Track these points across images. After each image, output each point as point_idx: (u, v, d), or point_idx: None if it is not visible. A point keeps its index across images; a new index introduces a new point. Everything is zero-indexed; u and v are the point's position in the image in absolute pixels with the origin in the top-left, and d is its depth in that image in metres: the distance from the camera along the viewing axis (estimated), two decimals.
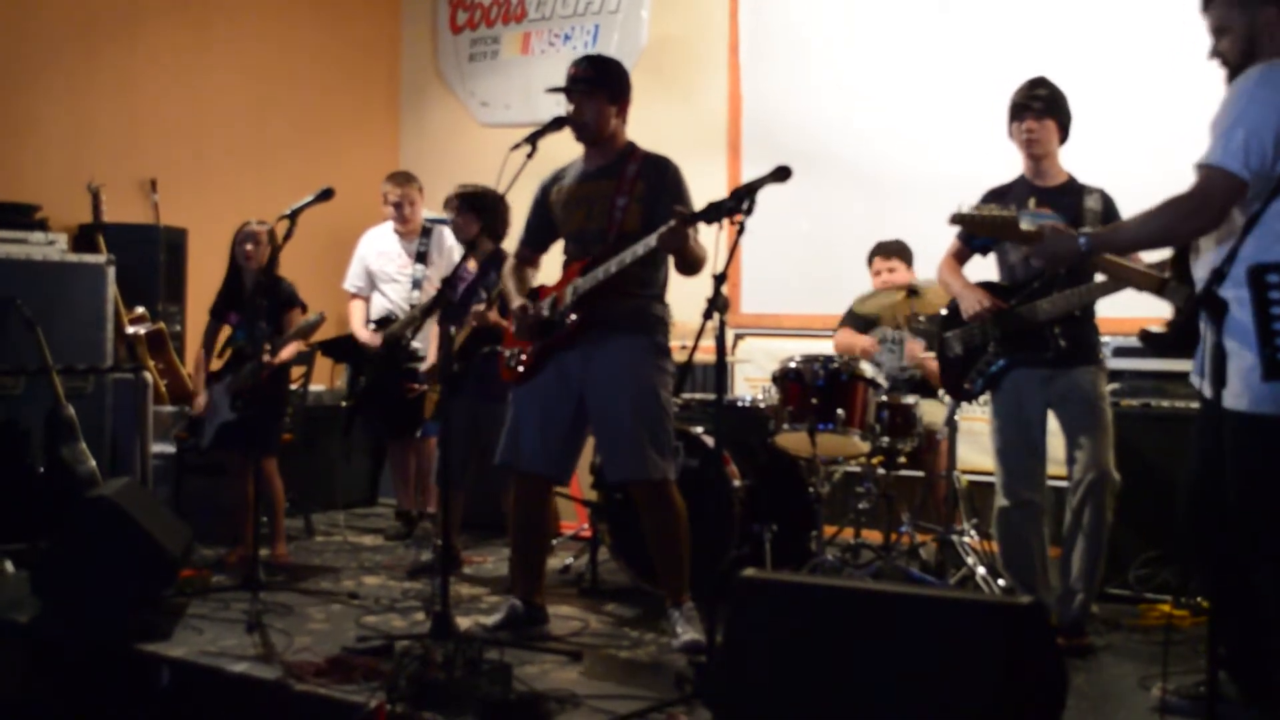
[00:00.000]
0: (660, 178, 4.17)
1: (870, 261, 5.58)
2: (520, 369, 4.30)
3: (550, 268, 4.44)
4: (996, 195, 4.37)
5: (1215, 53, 3.22)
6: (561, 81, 4.27)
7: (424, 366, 5.76)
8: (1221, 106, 3.08)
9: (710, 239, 3.97)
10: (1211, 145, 3.05)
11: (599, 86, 4.21)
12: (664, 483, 4.13)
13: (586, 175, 4.29)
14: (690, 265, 4.02)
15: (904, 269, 5.48)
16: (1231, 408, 2.99)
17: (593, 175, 4.27)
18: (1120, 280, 3.84)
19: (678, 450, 4.29)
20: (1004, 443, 4.31)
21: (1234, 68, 3.17)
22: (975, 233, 4.15)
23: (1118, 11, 5.86)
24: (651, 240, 3.87)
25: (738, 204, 3.49)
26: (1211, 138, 3.07)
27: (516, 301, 4.32)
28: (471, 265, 5.11)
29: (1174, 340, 3.53)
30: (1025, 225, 3.74)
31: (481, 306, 4.89)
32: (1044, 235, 3.58)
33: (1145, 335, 3.65)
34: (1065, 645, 4.02)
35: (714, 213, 3.61)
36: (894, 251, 5.51)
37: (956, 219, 3.95)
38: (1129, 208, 4.21)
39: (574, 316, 4.14)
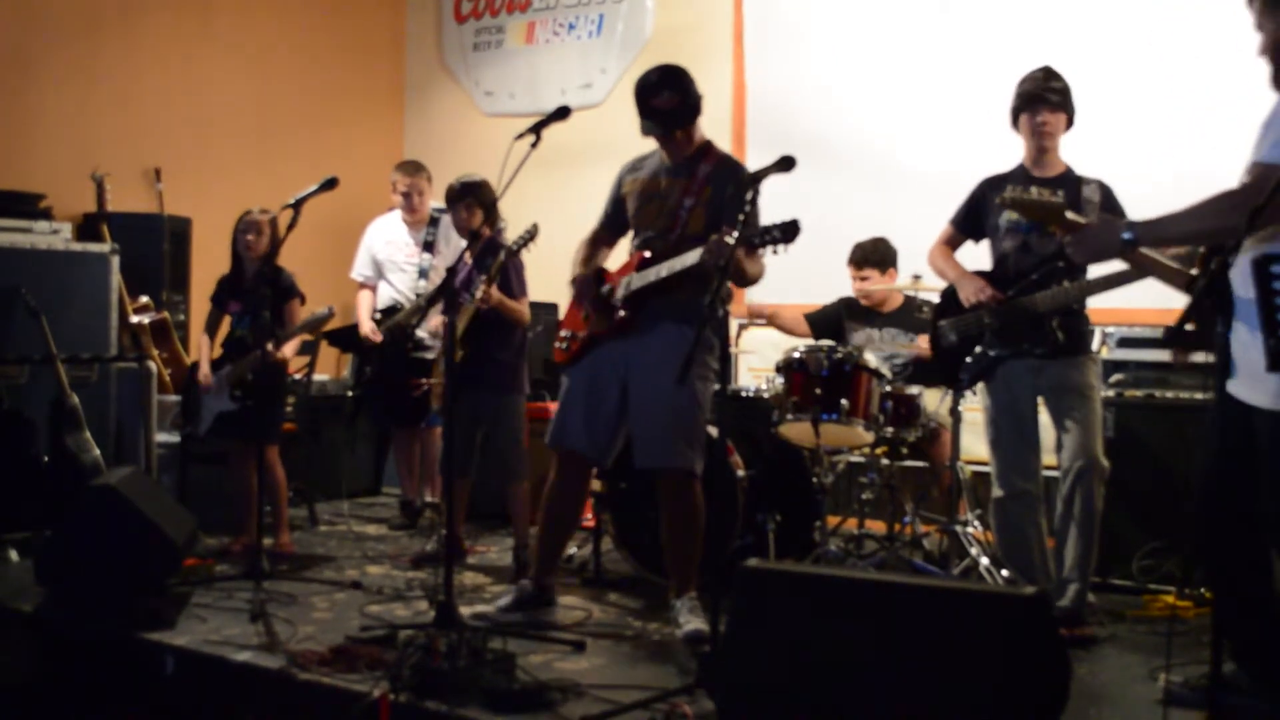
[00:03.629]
0: (728, 184, 4.19)
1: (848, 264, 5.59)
2: (571, 351, 4.41)
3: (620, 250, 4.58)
4: (995, 184, 4.38)
5: (1260, 50, 3.24)
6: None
7: (429, 326, 5.74)
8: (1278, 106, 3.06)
9: None
10: (1272, 144, 3.01)
11: (694, 110, 4.25)
12: (690, 475, 4.15)
13: (662, 171, 4.33)
14: (743, 280, 4.09)
15: (878, 275, 5.47)
16: (1268, 407, 2.99)
17: (667, 171, 4.31)
18: (1147, 273, 3.78)
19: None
20: (998, 434, 4.32)
21: (1272, 67, 3.18)
22: (1024, 215, 4.09)
23: (1116, 8, 5.86)
24: (696, 254, 3.93)
25: (785, 235, 3.53)
26: (1269, 137, 3.03)
27: (580, 270, 4.42)
28: (467, 258, 5.10)
29: (1200, 338, 3.50)
30: (1071, 214, 3.72)
31: (482, 288, 4.87)
32: (1089, 225, 3.52)
33: (1171, 332, 3.63)
34: (1067, 636, 4.02)
35: (759, 238, 3.61)
36: (865, 260, 5.51)
37: (1009, 202, 3.91)
38: (1127, 202, 4.22)
39: (622, 313, 4.23)
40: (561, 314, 4.85)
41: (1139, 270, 3.80)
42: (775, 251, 3.60)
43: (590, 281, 4.37)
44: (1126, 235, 3.31)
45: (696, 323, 4.15)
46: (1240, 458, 3.09)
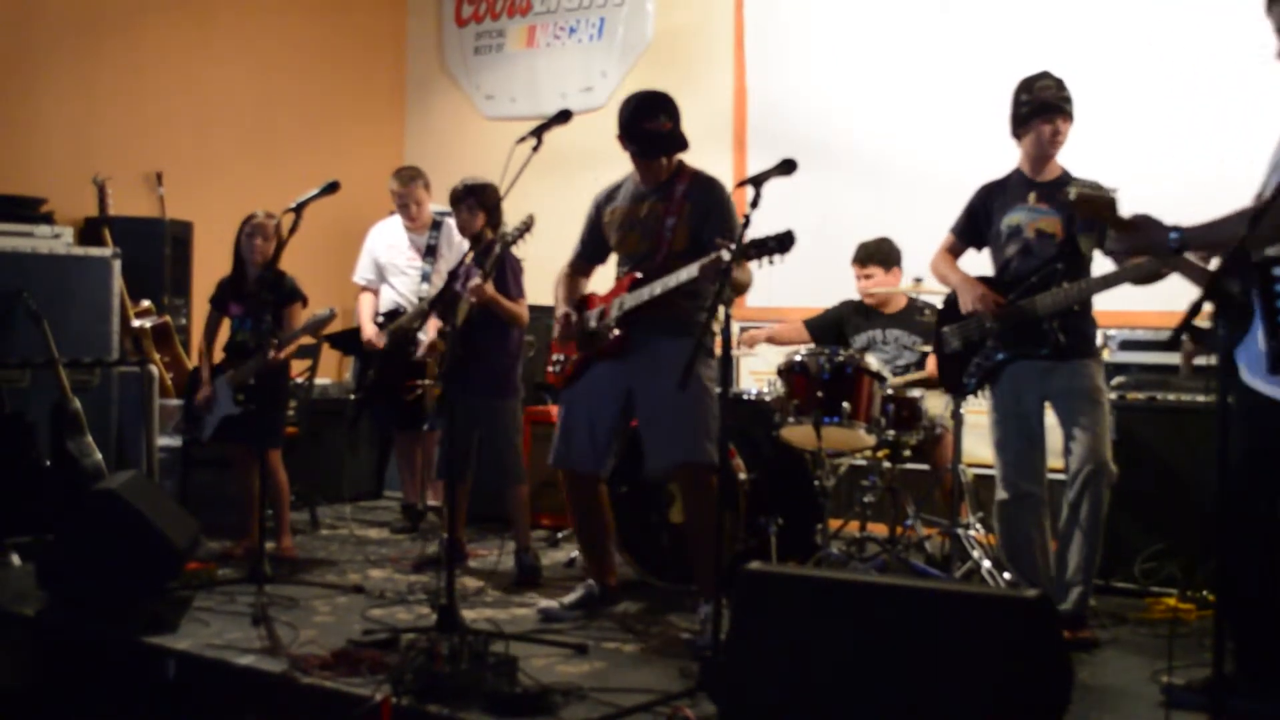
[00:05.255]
0: (706, 198, 4.30)
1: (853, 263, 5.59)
2: (565, 374, 4.53)
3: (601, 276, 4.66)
4: (995, 189, 4.40)
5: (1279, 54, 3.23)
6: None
7: (421, 350, 5.71)
8: None
9: None
10: None
11: (683, 140, 4.33)
12: (713, 468, 4.19)
13: (639, 196, 4.42)
14: (735, 290, 4.12)
15: (882, 274, 5.46)
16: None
17: (644, 195, 4.39)
18: (1179, 274, 3.73)
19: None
20: (1003, 435, 4.32)
21: None
22: (1081, 214, 4.00)
23: (1116, 8, 5.86)
24: (694, 269, 3.99)
25: (780, 246, 3.52)
26: None
27: (561, 309, 4.53)
28: (468, 260, 5.08)
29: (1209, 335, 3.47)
30: (1121, 212, 3.66)
31: (476, 280, 4.85)
32: (1137, 225, 3.43)
33: (1193, 330, 3.57)
34: (1068, 639, 4.01)
35: (755, 251, 3.62)
36: (869, 258, 5.50)
37: (1075, 202, 3.77)
38: (1129, 203, 4.21)
39: (618, 332, 4.32)
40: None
41: (1180, 273, 3.72)
42: (771, 261, 3.59)
43: (572, 312, 4.48)
44: (1174, 237, 3.28)
45: (691, 335, 4.23)
46: (1266, 458, 3.08)
